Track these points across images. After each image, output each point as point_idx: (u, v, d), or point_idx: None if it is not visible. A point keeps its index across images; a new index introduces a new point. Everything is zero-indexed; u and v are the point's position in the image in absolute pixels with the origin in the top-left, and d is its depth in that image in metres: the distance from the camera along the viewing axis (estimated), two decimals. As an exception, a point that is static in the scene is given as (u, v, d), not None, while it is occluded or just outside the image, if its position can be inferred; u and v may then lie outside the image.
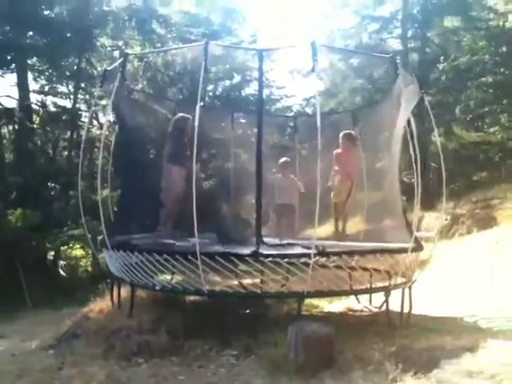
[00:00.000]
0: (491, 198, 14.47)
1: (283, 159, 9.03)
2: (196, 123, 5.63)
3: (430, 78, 19.88)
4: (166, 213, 7.89)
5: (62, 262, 19.25)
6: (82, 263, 20.04)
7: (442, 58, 20.73)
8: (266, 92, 21.76)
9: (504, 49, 18.74)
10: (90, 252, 17.38)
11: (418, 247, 6.51)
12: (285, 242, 7.15)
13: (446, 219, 13.86)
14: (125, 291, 6.70)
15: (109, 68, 7.54)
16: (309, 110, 23.00)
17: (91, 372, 4.80)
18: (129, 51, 15.85)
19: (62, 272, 18.51)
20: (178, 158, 7.83)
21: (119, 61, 7.41)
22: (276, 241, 7.26)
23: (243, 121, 11.57)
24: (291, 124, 10.87)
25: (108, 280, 7.38)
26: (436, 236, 7.73)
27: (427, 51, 21.23)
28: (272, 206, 9.09)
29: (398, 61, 7.32)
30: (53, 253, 18.07)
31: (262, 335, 5.54)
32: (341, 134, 8.17)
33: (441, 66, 20.63)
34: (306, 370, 4.54)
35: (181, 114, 8.17)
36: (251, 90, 21.51)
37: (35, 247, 15.88)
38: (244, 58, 19.66)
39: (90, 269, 18.68)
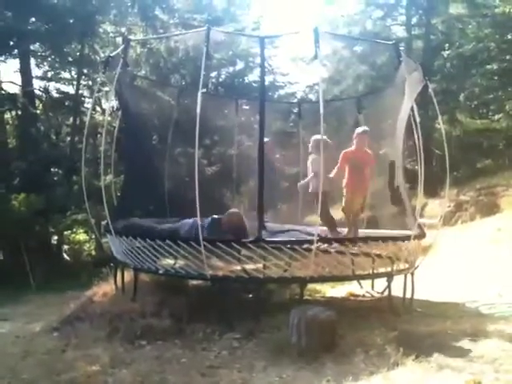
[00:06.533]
0: (495, 185, 14.44)
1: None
2: (198, 110, 5.61)
3: (435, 65, 19.76)
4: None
5: (65, 247, 19.44)
6: (85, 247, 20.25)
7: (447, 45, 20.56)
8: (269, 79, 21.73)
9: (509, 36, 18.51)
10: (94, 236, 17.53)
11: (421, 234, 6.52)
12: (287, 227, 7.16)
13: (450, 206, 13.87)
14: (128, 275, 6.74)
15: (111, 54, 7.53)
16: (312, 97, 22.89)
17: (95, 354, 4.83)
18: (131, 37, 15.77)
19: (65, 256, 18.69)
20: None
21: (122, 47, 7.40)
22: (278, 226, 7.27)
23: (247, 107, 11.55)
24: (295, 110, 10.82)
25: (111, 264, 7.43)
26: (439, 223, 7.73)
27: (432, 38, 21.07)
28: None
29: (400, 48, 7.24)
30: (56, 237, 18.23)
31: (264, 319, 5.58)
32: (357, 130, 6.82)
33: (445, 54, 20.46)
34: (308, 354, 4.57)
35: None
36: (255, 76, 21.45)
37: (39, 231, 16.03)
38: (247, 44, 19.57)
39: (93, 253, 18.86)
